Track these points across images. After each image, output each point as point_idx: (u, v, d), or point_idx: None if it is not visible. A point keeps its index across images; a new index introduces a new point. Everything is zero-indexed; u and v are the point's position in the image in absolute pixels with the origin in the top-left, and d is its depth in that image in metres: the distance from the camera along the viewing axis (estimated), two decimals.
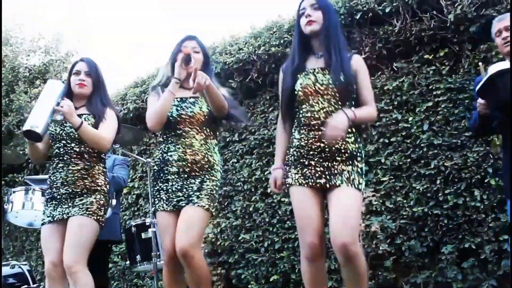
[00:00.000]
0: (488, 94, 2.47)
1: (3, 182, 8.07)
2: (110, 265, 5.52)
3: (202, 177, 2.61)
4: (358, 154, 2.36)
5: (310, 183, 2.31)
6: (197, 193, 2.56)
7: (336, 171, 2.29)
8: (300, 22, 2.45)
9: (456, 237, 3.74)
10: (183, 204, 2.57)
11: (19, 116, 7.96)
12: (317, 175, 2.30)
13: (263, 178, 4.84)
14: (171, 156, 2.62)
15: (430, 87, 3.98)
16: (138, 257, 3.79)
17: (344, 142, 2.31)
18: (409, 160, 3.99)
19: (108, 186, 2.96)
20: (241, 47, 4.95)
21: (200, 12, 28.37)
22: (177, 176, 2.60)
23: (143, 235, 3.80)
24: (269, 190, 4.76)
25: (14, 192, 4.01)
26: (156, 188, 2.68)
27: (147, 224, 3.79)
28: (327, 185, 2.29)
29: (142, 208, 5.93)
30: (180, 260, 2.48)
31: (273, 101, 4.91)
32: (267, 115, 4.95)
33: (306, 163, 2.33)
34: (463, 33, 3.85)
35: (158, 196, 2.65)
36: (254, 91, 5.03)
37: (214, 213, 2.70)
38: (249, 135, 5.03)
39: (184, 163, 2.60)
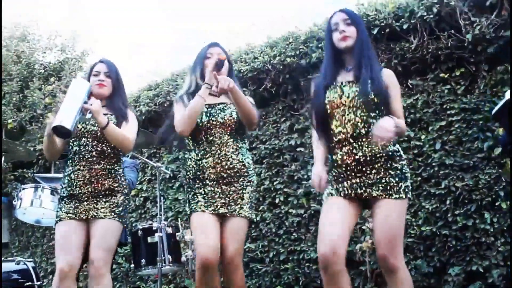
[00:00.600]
0: (504, 118, 2.47)
1: (12, 176, 8.15)
2: (114, 266, 5.53)
3: (241, 183, 2.65)
4: (396, 154, 2.35)
5: (347, 193, 2.32)
6: (240, 202, 2.62)
7: (372, 181, 2.30)
8: (332, 37, 2.45)
9: (463, 259, 3.70)
10: (222, 211, 2.61)
11: (32, 112, 8.03)
12: (354, 186, 2.32)
13: (272, 188, 4.84)
14: (206, 163, 2.65)
15: (444, 106, 3.96)
16: (143, 261, 3.80)
17: (378, 147, 2.31)
18: (419, 178, 3.96)
19: (128, 187, 3.00)
20: (256, 56, 4.95)
21: (200, 12, 28.44)
22: (215, 183, 2.63)
23: (149, 239, 3.80)
24: (277, 201, 4.77)
25: (23, 188, 4.03)
26: (192, 193, 2.69)
27: (154, 228, 3.80)
28: (363, 196, 2.31)
29: (149, 211, 5.95)
30: (226, 266, 2.58)
31: (285, 111, 4.92)
32: (279, 125, 4.95)
33: (345, 177, 2.35)
34: (480, 54, 3.83)
35: (196, 199, 2.66)
36: (267, 100, 5.03)
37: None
38: (260, 144, 5.03)
39: (220, 169, 2.63)
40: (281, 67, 4.74)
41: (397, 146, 2.41)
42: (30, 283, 4.16)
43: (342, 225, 2.30)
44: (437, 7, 3.90)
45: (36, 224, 4.55)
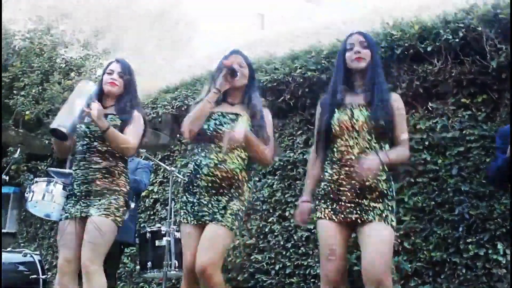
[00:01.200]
0: None
1: (25, 167, 8.28)
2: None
3: (230, 195, 2.58)
4: (389, 192, 2.37)
5: (340, 218, 2.34)
6: (222, 211, 2.54)
7: (367, 208, 2.31)
8: (346, 56, 2.47)
9: None
10: (206, 220, 2.56)
11: (50, 105, 8.17)
12: (347, 210, 2.33)
13: (283, 200, 4.85)
14: (201, 169, 2.59)
15: (463, 132, 3.92)
16: (149, 263, 3.86)
17: (375, 181, 2.32)
18: (433, 203, 3.93)
19: (128, 187, 2.98)
20: (277, 67, 4.99)
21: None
22: (205, 191, 2.58)
23: (157, 243, 3.86)
24: (287, 213, 4.77)
25: (36, 181, 4.07)
26: (183, 200, 2.67)
27: (163, 232, 3.82)
28: (359, 221, 2.31)
29: (158, 213, 6.00)
30: (199, 276, 2.47)
31: (302, 124, 4.94)
32: (294, 138, 4.98)
33: (337, 198, 2.36)
34: (504, 81, 3.81)
35: (185, 208, 2.64)
36: (285, 112, 5.05)
37: (237, 234, 2.64)
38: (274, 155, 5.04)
39: (213, 178, 2.57)
40: (302, 80, 4.75)
41: (391, 183, 2.42)
42: (35, 276, 4.21)
43: (341, 254, 2.34)
44: (463, 32, 3.89)
45: (46, 218, 4.61)
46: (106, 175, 2.88)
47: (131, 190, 3.17)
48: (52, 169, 4.73)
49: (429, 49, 4.07)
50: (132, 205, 3.64)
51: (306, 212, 2.54)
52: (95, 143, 2.89)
